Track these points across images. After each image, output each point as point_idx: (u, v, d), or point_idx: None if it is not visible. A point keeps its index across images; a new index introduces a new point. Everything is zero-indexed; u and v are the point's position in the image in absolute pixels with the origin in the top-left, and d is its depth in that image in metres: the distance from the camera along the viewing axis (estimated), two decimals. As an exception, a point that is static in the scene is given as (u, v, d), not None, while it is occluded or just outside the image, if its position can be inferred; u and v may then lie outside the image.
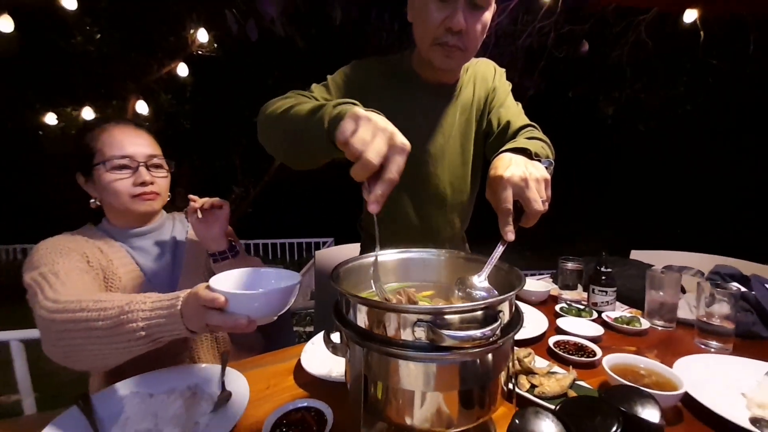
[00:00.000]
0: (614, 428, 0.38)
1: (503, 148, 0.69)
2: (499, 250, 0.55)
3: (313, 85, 0.92)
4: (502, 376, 0.48)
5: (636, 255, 1.70)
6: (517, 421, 0.40)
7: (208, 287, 0.54)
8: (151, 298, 0.60)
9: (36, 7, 3.71)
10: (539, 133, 0.88)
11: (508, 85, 1.08)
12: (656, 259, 1.53)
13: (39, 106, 4.81)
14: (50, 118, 4.62)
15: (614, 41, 4.63)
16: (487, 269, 0.54)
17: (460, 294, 0.54)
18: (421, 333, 0.41)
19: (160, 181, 0.91)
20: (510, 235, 0.55)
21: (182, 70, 4.74)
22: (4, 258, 5.95)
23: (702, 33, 3.77)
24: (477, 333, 0.39)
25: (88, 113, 4.54)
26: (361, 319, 0.46)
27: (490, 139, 1.00)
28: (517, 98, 1.08)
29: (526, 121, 0.95)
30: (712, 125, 5.29)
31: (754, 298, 1.03)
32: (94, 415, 0.62)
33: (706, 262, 1.41)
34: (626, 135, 5.84)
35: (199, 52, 4.80)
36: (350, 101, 0.58)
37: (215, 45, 4.85)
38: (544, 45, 4.34)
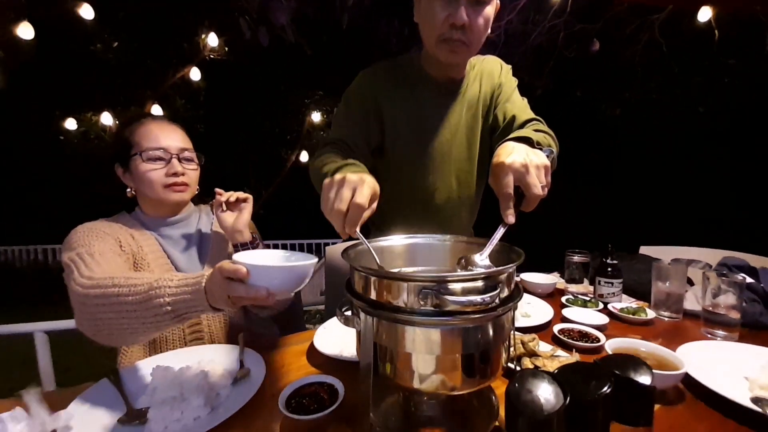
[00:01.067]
0: (605, 388, 0.41)
1: (506, 138, 0.72)
2: (500, 231, 0.58)
3: (336, 114, 1.04)
4: (503, 346, 0.51)
5: (645, 251, 1.70)
6: (516, 382, 0.43)
7: (232, 261, 0.58)
8: (178, 276, 0.65)
9: (56, 17, 3.87)
10: (544, 126, 0.91)
11: (514, 81, 1.11)
12: (665, 254, 1.52)
13: (60, 112, 4.98)
14: (71, 124, 4.79)
15: (627, 41, 4.59)
16: (489, 248, 0.58)
17: (462, 271, 0.57)
18: (426, 300, 0.44)
19: (191, 173, 0.96)
20: (510, 218, 0.58)
21: (195, 74, 4.89)
22: (25, 258, 6.15)
23: (717, 32, 3.73)
24: (477, 298, 0.42)
25: (107, 119, 4.70)
26: (372, 290, 0.50)
27: (497, 133, 1.03)
28: (525, 97, 1.11)
29: (532, 115, 0.98)
30: (725, 123, 5.21)
31: (761, 289, 1.04)
32: (123, 386, 0.67)
33: (715, 257, 1.41)
34: (636, 134, 5.79)
35: (211, 56, 4.94)
36: (349, 163, 0.73)
37: (226, 49, 4.99)
38: (554, 44, 4.33)
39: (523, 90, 1.12)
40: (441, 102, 1.05)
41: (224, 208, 0.96)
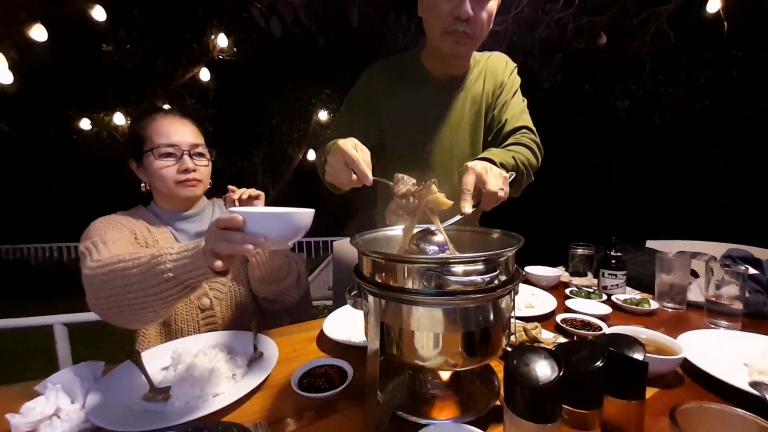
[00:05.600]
0: (599, 362, 0.44)
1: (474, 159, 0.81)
2: (456, 218, 0.68)
3: (341, 111, 1.13)
4: (502, 327, 0.54)
5: (651, 245, 1.70)
6: (514, 357, 0.46)
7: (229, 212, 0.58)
8: (179, 245, 0.67)
9: (68, 18, 3.94)
10: (527, 139, 0.99)
11: (517, 82, 1.13)
12: (672, 248, 1.52)
13: (73, 112, 5.09)
14: (84, 123, 4.91)
15: (634, 32, 4.53)
16: (444, 225, 0.66)
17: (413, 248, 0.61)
18: (430, 281, 0.47)
19: (202, 169, 0.99)
20: (467, 209, 0.66)
21: (204, 75, 4.98)
22: (41, 256, 6.31)
23: (726, 23, 3.67)
24: (478, 278, 0.45)
25: (119, 119, 4.81)
26: (378, 273, 0.53)
27: (490, 136, 1.09)
28: (534, 90, 1.13)
29: (524, 122, 1.04)
30: (732, 116, 5.13)
31: (765, 279, 1.05)
32: (145, 366, 0.71)
33: (721, 250, 1.40)
34: (644, 127, 5.72)
35: (220, 57, 5.02)
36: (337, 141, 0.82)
37: (234, 49, 5.07)
38: (563, 36, 4.30)
39: (531, 82, 1.13)
40: (441, 99, 1.07)
41: (237, 205, 0.98)
